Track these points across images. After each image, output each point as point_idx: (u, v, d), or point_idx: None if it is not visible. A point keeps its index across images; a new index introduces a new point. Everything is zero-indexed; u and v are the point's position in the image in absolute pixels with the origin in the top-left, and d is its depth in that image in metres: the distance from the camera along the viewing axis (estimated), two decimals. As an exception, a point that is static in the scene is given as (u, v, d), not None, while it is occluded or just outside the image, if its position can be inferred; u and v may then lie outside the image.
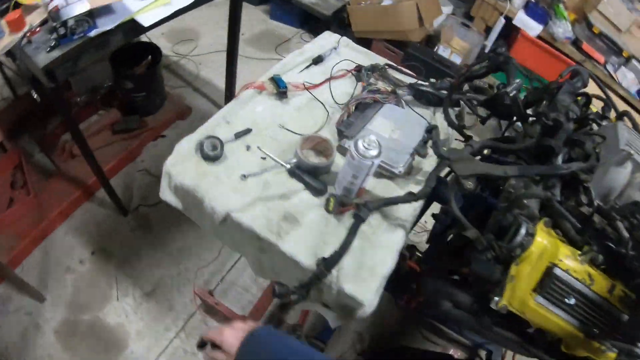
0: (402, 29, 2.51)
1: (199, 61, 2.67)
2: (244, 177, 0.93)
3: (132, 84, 2.00)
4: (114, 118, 2.10)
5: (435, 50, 2.69)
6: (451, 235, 0.94)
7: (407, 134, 1.07)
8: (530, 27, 2.54)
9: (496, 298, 0.73)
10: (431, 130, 1.01)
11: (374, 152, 0.81)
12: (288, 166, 0.94)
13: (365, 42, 2.62)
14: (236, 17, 1.75)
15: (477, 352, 1.47)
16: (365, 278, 0.82)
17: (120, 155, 2.01)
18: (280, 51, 2.87)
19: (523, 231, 0.70)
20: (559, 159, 0.80)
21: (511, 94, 0.90)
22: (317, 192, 0.93)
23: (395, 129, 1.08)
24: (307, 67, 1.23)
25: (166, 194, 0.97)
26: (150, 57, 2.09)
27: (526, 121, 0.96)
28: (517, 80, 0.93)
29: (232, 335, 0.65)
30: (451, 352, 1.51)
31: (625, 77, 2.50)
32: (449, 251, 0.94)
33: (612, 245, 0.70)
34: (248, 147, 0.99)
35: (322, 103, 1.13)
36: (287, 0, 2.91)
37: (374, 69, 1.24)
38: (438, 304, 0.91)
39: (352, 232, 0.81)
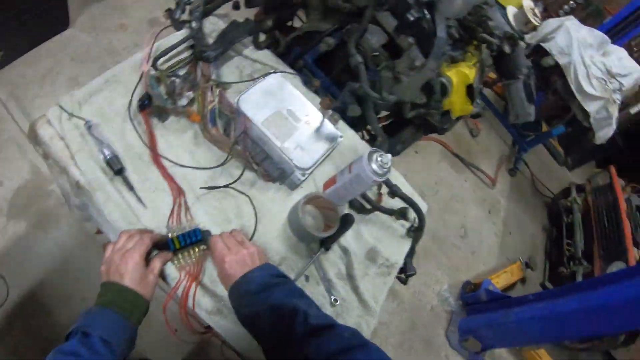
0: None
1: None
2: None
3: None
4: None
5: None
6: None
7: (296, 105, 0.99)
8: None
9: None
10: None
11: (388, 164, 0.87)
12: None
13: None
14: None
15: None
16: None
17: None
18: None
19: (444, 81, 1.11)
20: (441, 30, 1.04)
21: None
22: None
23: (297, 115, 0.98)
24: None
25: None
26: None
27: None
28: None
29: (234, 261, 0.72)
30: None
31: None
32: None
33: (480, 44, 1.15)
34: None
35: (238, 190, 0.90)
36: None
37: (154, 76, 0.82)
38: (395, 152, 1.31)
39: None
